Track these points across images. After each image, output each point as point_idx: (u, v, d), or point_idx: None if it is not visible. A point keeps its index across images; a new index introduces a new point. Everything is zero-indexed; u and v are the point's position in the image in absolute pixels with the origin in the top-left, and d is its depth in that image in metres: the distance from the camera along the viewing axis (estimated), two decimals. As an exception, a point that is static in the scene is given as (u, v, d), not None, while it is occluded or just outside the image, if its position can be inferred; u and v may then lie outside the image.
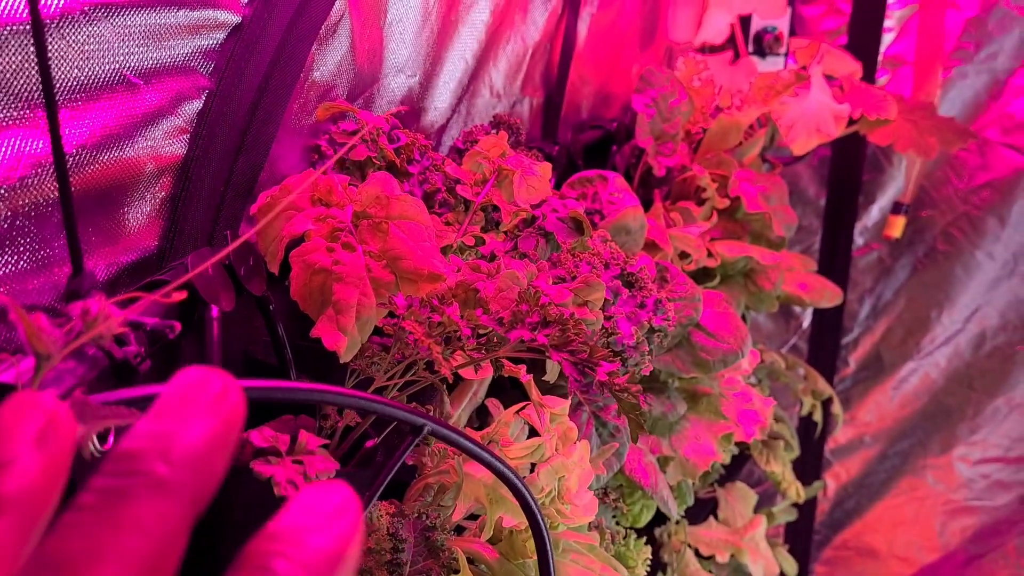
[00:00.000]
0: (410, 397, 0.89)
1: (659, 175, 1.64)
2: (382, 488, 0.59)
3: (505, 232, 0.96)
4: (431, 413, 1.01)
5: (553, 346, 0.64)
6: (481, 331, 0.68)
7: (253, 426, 0.75)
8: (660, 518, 1.79)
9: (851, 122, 1.94)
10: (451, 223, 1.01)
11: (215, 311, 0.67)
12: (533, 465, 0.94)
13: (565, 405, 0.89)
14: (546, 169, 1.08)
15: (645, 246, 1.55)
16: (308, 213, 0.74)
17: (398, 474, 1.03)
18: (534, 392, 0.88)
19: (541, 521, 0.64)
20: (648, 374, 1.42)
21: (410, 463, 1.02)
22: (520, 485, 0.62)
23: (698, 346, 1.38)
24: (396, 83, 1.17)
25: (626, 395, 0.67)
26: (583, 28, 1.66)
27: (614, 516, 1.36)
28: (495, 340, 0.67)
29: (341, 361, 0.70)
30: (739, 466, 2.25)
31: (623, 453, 1.24)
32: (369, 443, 0.74)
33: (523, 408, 0.94)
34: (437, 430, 0.61)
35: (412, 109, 1.23)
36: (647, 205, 1.64)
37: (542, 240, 0.92)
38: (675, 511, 1.35)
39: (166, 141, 0.73)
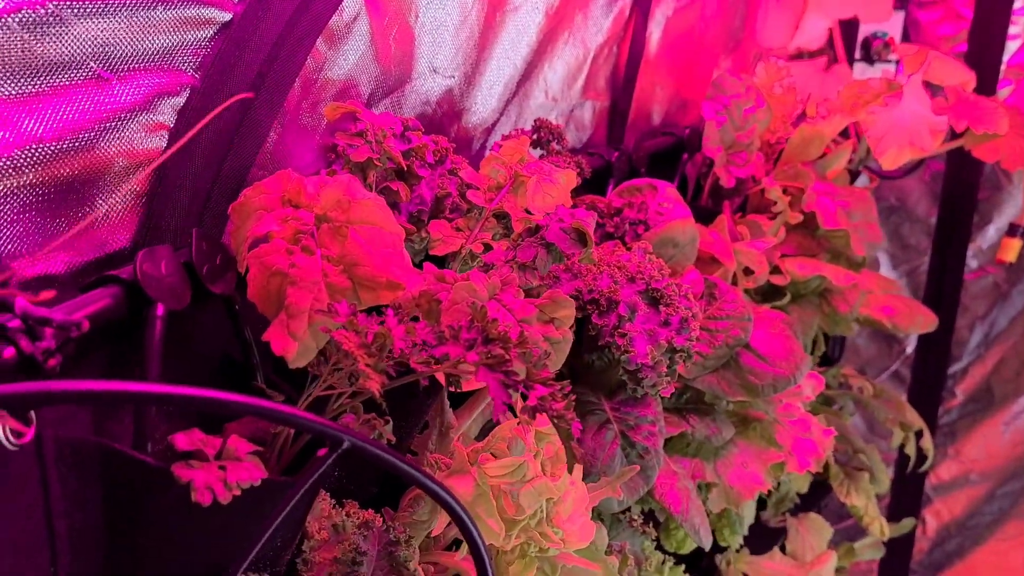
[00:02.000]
0: (395, 403, 0.87)
1: (728, 186, 1.56)
2: (297, 496, 0.57)
3: (512, 241, 0.93)
4: (427, 420, 0.98)
5: (486, 366, 0.60)
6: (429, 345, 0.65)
7: (219, 427, 0.75)
8: (720, 545, 1.71)
9: (956, 135, 1.80)
10: (462, 229, 0.98)
11: (160, 309, 0.67)
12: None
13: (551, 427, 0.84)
14: (569, 177, 1.04)
15: (706, 261, 1.48)
16: (276, 214, 0.73)
17: (401, 481, 1.01)
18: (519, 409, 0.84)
19: (478, 539, 0.60)
20: (691, 395, 1.36)
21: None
22: (451, 501, 0.59)
23: (746, 369, 1.30)
24: (432, 84, 1.15)
25: (561, 422, 0.63)
26: (656, 31, 1.60)
27: (650, 540, 1.29)
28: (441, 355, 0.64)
29: (291, 366, 0.69)
30: (820, 495, 2.12)
31: (651, 476, 1.18)
32: (321, 452, 0.72)
33: (519, 424, 0.91)
34: (357, 444, 0.59)
35: (452, 111, 1.21)
36: (714, 218, 1.56)
37: (542, 251, 0.88)
38: (708, 541, 1.28)
39: (142, 137, 0.74)
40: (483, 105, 1.26)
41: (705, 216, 1.56)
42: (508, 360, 0.60)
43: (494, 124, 1.30)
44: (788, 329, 1.35)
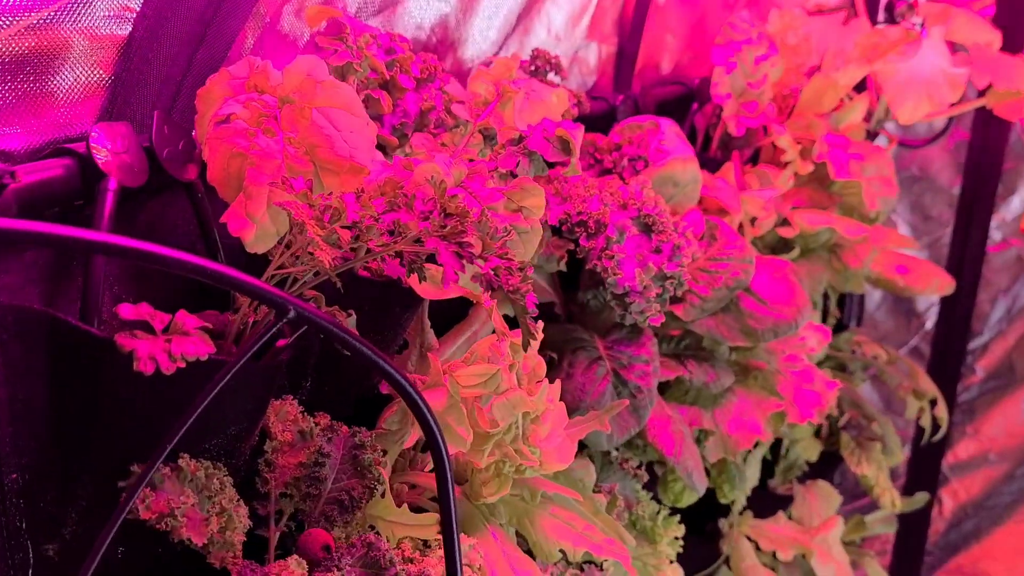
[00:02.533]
0: (368, 316, 0.85)
1: (737, 135, 1.52)
2: (237, 366, 0.55)
3: (494, 152, 0.90)
4: (407, 340, 0.96)
5: (439, 236, 0.58)
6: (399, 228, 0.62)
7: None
8: (723, 509, 1.68)
9: (979, 95, 1.74)
10: (446, 144, 0.96)
11: (112, 183, 0.65)
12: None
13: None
14: (560, 97, 1.01)
15: (712, 211, 1.44)
16: (240, 98, 0.71)
17: (376, 400, 0.99)
18: (495, 317, 0.81)
19: (433, 423, 0.58)
20: (690, 341, 1.32)
21: (386, 392, 0.98)
22: (398, 377, 0.57)
23: (746, 312, 1.26)
24: (426, 7, 1.12)
25: (516, 296, 0.60)
26: (668, -24, 1.56)
27: (643, 486, 1.26)
28: (404, 235, 0.62)
29: (248, 251, 0.67)
30: (830, 465, 2.07)
31: (643, 415, 1.16)
32: (280, 342, 0.70)
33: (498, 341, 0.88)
34: (303, 314, 0.56)
35: (446, 39, 1.18)
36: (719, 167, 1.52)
37: (524, 159, 0.85)
38: (701, 486, 1.25)
39: (107, 19, 0.72)
40: (480, 36, 1.23)
41: (713, 167, 1.53)
42: (463, 231, 0.57)
43: (492, 59, 1.27)
44: (792, 275, 1.32)
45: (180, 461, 0.64)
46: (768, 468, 1.90)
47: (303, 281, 0.68)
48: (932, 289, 1.74)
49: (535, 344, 0.86)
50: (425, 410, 0.56)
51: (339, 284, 0.63)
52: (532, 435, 0.87)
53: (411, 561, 0.77)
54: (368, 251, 0.62)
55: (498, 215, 0.69)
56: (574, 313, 1.27)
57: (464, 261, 0.57)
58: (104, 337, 0.59)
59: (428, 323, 0.96)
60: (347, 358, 0.89)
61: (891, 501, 1.96)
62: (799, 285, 1.30)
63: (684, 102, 1.62)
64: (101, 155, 0.65)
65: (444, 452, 0.59)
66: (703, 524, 1.74)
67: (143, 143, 0.71)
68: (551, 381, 0.88)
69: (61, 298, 0.67)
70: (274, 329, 0.57)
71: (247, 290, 0.55)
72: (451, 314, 1.06)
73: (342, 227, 0.63)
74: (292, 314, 0.56)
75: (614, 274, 0.96)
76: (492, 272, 0.58)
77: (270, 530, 0.76)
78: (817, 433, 2.02)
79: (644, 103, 1.52)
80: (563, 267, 1.12)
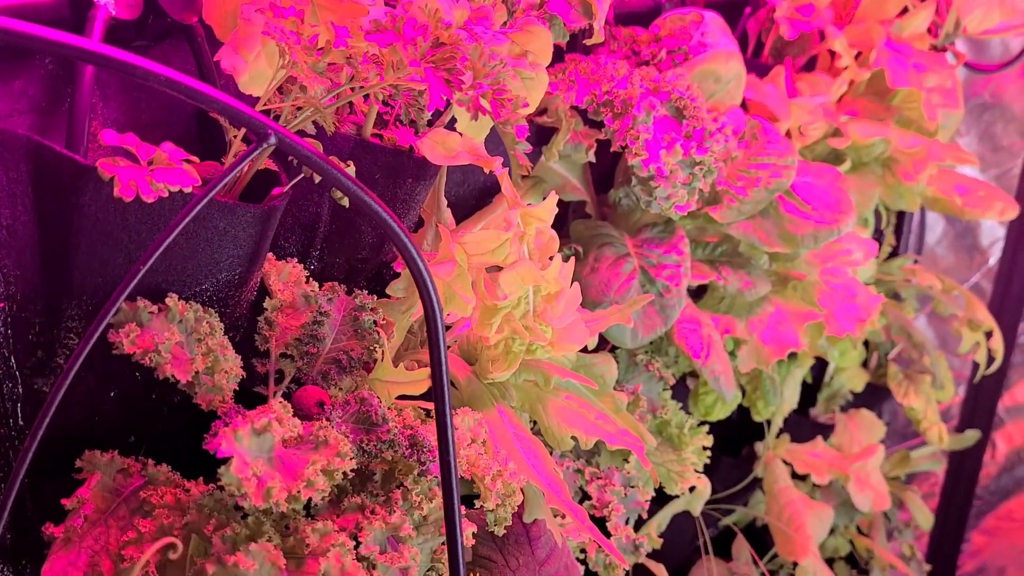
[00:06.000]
0: (379, 185, 0.82)
1: (789, 38, 1.44)
2: (213, 192, 0.53)
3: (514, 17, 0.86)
4: (423, 218, 0.94)
5: (427, 61, 0.54)
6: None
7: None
8: (760, 434, 1.65)
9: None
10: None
11: (102, 11, 0.63)
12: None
13: (544, 207, 0.79)
14: (592, -32, 0.96)
15: (762, 117, 1.38)
16: (239, -67, 0.68)
17: (390, 279, 0.97)
18: (506, 185, 0.78)
19: (415, 255, 0.55)
20: (726, 248, 1.28)
21: (400, 269, 0.96)
22: (382, 212, 0.54)
23: (785, 217, 1.21)
24: None
25: (507, 127, 0.57)
26: None
27: (667, 387, 1.23)
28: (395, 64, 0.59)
29: (242, 90, 0.65)
30: (876, 398, 2.01)
31: (670, 315, 1.12)
32: (276, 190, 0.68)
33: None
34: (284, 140, 0.54)
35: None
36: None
37: (544, 24, 0.81)
38: (730, 394, 1.21)
39: None
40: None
41: (764, 74, 1.46)
42: (454, 57, 0.54)
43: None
44: (837, 181, 1.25)
45: (168, 301, 0.63)
46: (811, 395, 1.85)
47: (297, 124, 0.65)
48: (994, 213, 1.65)
49: (548, 218, 0.83)
50: (408, 245, 0.53)
51: (329, 124, 0.60)
52: (543, 312, 0.84)
53: (410, 428, 0.76)
54: (360, 88, 0.60)
55: (476, 50, 0.65)
56: (606, 214, 1.23)
57: (453, 89, 0.54)
58: (87, 164, 0.58)
59: (445, 201, 0.94)
60: (359, 230, 0.87)
61: (938, 436, 1.90)
62: (844, 190, 1.24)
63: (736, 6, 1.55)
64: (90, -19, 0.63)
65: (431, 289, 0.57)
66: (739, 447, 1.71)
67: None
68: (575, 276, 0.85)
69: (52, 131, 0.66)
70: (253, 155, 0.55)
71: (221, 108, 0.53)
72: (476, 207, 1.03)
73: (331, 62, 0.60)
74: (272, 140, 0.54)
75: (638, 155, 0.92)
76: (480, 98, 0.55)
77: (269, 388, 0.75)
78: (865, 364, 1.96)
79: (692, 2, 1.45)
80: (591, 157, 1.07)
